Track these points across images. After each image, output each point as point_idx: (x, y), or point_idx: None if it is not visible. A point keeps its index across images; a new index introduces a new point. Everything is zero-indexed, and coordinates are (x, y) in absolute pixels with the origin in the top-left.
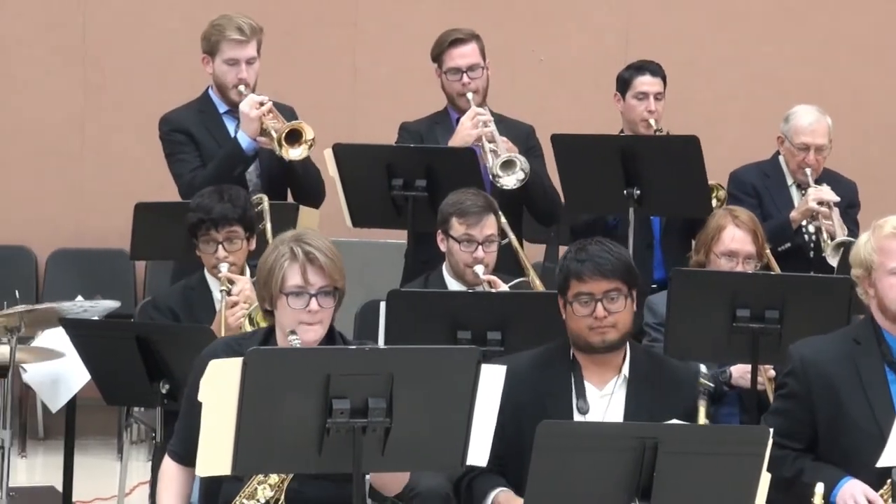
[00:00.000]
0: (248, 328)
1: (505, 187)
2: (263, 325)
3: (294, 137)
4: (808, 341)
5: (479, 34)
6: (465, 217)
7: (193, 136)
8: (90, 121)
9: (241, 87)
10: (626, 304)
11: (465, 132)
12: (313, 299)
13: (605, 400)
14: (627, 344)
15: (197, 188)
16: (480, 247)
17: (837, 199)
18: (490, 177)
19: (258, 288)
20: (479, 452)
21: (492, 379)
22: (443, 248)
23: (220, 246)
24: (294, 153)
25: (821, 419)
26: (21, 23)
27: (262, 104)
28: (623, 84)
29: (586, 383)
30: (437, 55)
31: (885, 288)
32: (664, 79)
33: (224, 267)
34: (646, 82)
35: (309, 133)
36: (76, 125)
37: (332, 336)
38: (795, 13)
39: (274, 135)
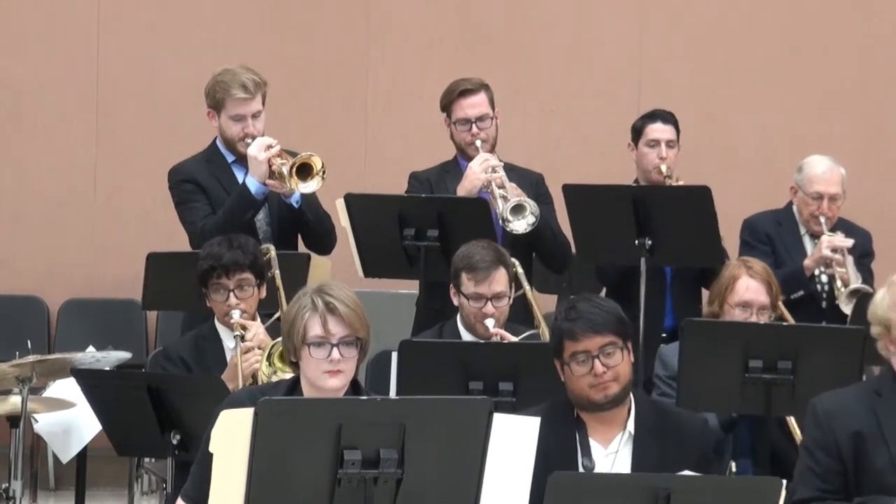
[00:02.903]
0: (266, 369)
1: (515, 232)
2: (279, 364)
3: (305, 172)
4: (829, 394)
5: (487, 83)
6: (474, 273)
7: (203, 185)
8: (102, 170)
9: (248, 140)
10: (624, 357)
11: (473, 177)
12: (335, 349)
13: (610, 458)
14: (632, 396)
15: (208, 234)
16: (490, 302)
17: (851, 243)
18: (500, 221)
19: (283, 340)
20: None
21: (526, 431)
22: (455, 302)
23: (232, 293)
24: (307, 187)
25: (849, 469)
26: (35, 71)
27: (270, 147)
28: (636, 133)
29: (591, 441)
30: (446, 105)
31: None
32: (676, 126)
33: (236, 314)
34: (657, 129)
35: (318, 164)
36: (88, 175)
37: (356, 388)
38: (807, 63)
39: (285, 171)
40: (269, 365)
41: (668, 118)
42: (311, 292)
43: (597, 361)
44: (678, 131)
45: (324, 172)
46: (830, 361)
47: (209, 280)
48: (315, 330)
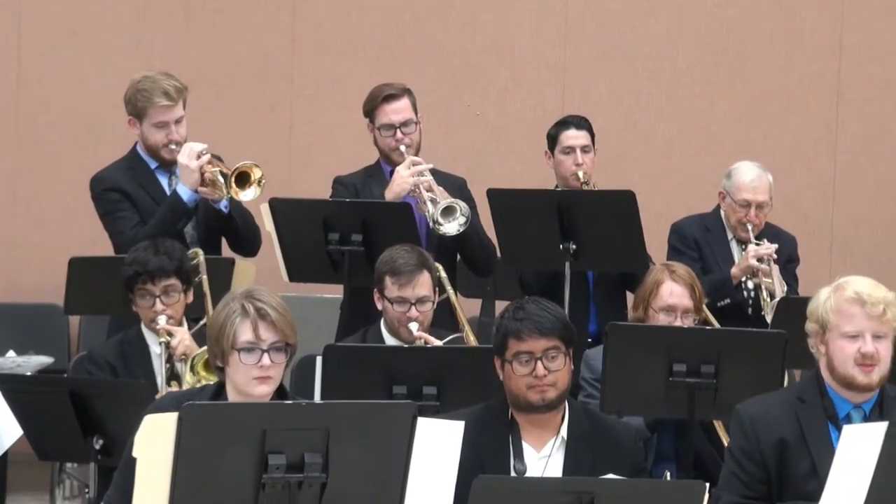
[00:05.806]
0: (190, 379)
1: (447, 234)
2: (203, 372)
3: (242, 180)
4: (754, 400)
5: (410, 89)
6: (398, 276)
7: (129, 193)
8: (23, 176)
9: (172, 146)
10: (565, 363)
11: (402, 181)
12: (265, 355)
13: (542, 462)
14: (566, 402)
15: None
16: (413, 307)
17: (774, 248)
18: (430, 224)
19: (210, 344)
20: None
21: (449, 436)
22: (379, 306)
23: (158, 299)
24: (246, 195)
25: (772, 476)
26: None
27: (200, 154)
28: (551, 141)
29: (524, 444)
30: (370, 111)
31: (837, 350)
32: (591, 131)
33: (162, 319)
34: (571, 136)
35: (257, 172)
36: (9, 180)
37: (282, 393)
38: (729, 70)
39: (221, 179)
40: (194, 374)
41: (581, 124)
42: (239, 297)
43: (539, 363)
44: (593, 136)
45: (261, 181)
46: (752, 365)
47: (135, 286)
48: (246, 335)
